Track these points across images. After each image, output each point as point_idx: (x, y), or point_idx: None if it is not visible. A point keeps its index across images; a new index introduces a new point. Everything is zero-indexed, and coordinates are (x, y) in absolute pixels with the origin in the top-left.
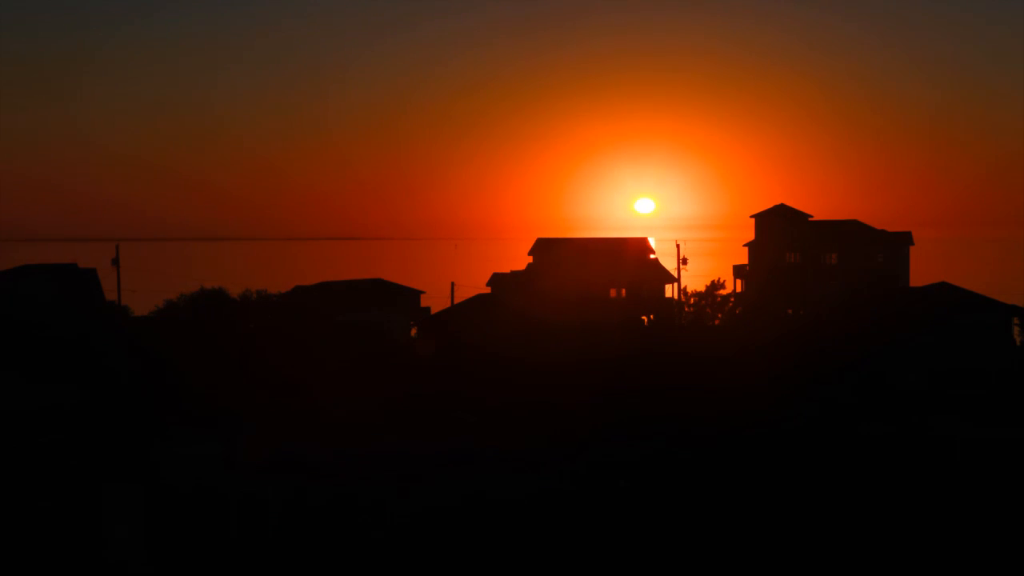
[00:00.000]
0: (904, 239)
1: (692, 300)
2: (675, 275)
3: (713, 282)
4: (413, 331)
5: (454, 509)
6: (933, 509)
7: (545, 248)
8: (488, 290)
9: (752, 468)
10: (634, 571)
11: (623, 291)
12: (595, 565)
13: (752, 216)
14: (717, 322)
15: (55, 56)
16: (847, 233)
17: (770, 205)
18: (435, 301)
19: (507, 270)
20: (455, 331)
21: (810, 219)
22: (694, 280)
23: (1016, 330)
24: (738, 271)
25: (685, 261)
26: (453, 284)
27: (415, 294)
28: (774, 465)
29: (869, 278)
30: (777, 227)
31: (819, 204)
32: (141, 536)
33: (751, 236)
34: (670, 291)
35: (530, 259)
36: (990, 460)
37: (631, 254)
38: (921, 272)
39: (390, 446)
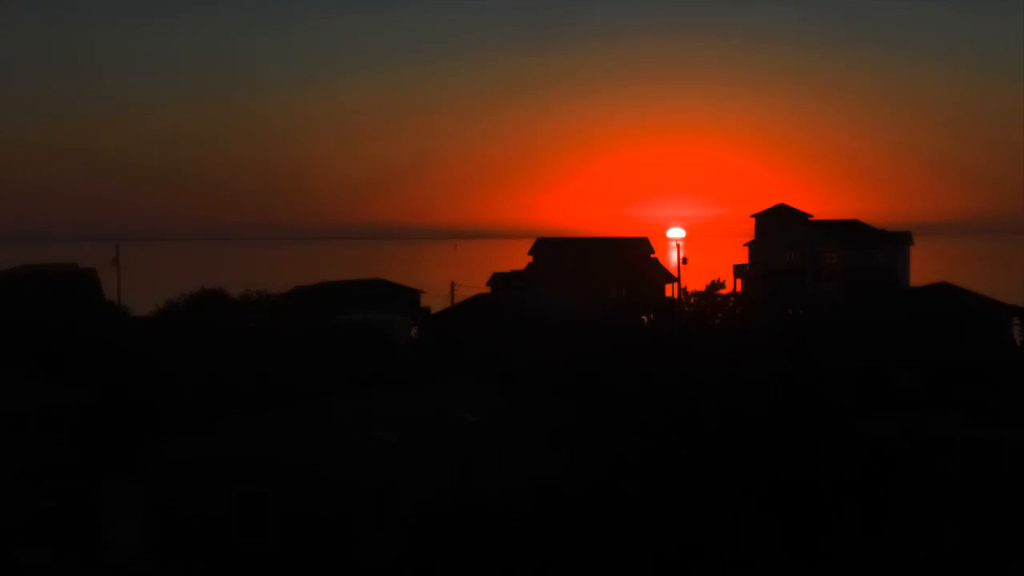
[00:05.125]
0: (904, 239)
1: (692, 300)
2: (675, 274)
3: (713, 282)
4: (413, 331)
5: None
6: (932, 508)
7: (545, 248)
8: (488, 290)
9: (749, 466)
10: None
11: (623, 291)
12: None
13: (752, 216)
14: (717, 322)
15: (55, 56)
16: (847, 233)
17: (770, 205)
18: (435, 301)
19: (507, 270)
20: (455, 331)
21: (810, 219)
22: (693, 280)
23: (1016, 330)
24: (738, 271)
25: (685, 261)
26: (453, 284)
27: (415, 294)
28: (770, 464)
29: (869, 278)
30: (777, 227)
31: (819, 204)
32: (141, 536)
33: (751, 236)
34: (670, 291)
35: (530, 259)
36: (990, 460)
37: (631, 254)
38: (921, 272)
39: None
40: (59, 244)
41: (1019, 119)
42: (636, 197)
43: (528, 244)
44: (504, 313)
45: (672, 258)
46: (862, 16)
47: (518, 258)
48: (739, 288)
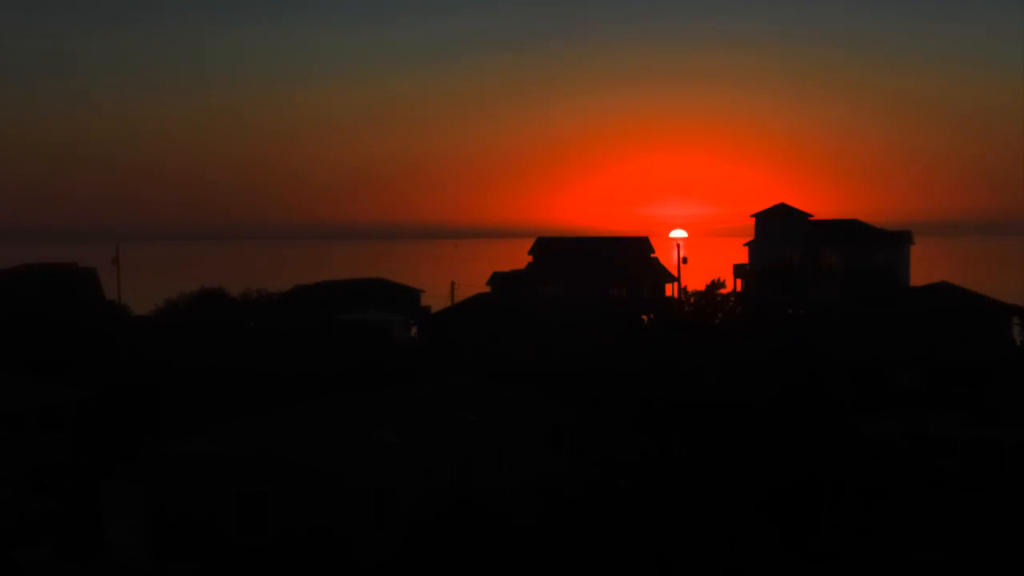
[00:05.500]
0: (904, 239)
1: (692, 300)
2: (675, 274)
3: (713, 281)
4: (413, 331)
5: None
6: (934, 508)
7: (545, 248)
8: (488, 290)
9: (749, 466)
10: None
11: (623, 290)
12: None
13: (752, 216)
14: (717, 322)
15: (56, 56)
16: (847, 233)
17: (770, 205)
18: (435, 301)
19: (507, 270)
20: (455, 331)
21: (810, 219)
22: (693, 280)
23: (1016, 330)
24: (738, 271)
25: (685, 260)
26: (453, 284)
27: (415, 294)
28: (770, 464)
29: (869, 278)
30: (777, 227)
31: (819, 204)
32: (141, 536)
33: (751, 236)
34: (670, 290)
35: (530, 259)
36: (990, 460)
37: (631, 254)
38: (921, 272)
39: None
40: (59, 244)
41: (1019, 119)
42: (637, 197)
43: (528, 244)
44: (504, 313)
45: (672, 258)
46: (862, 17)
47: (518, 258)
48: (739, 288)
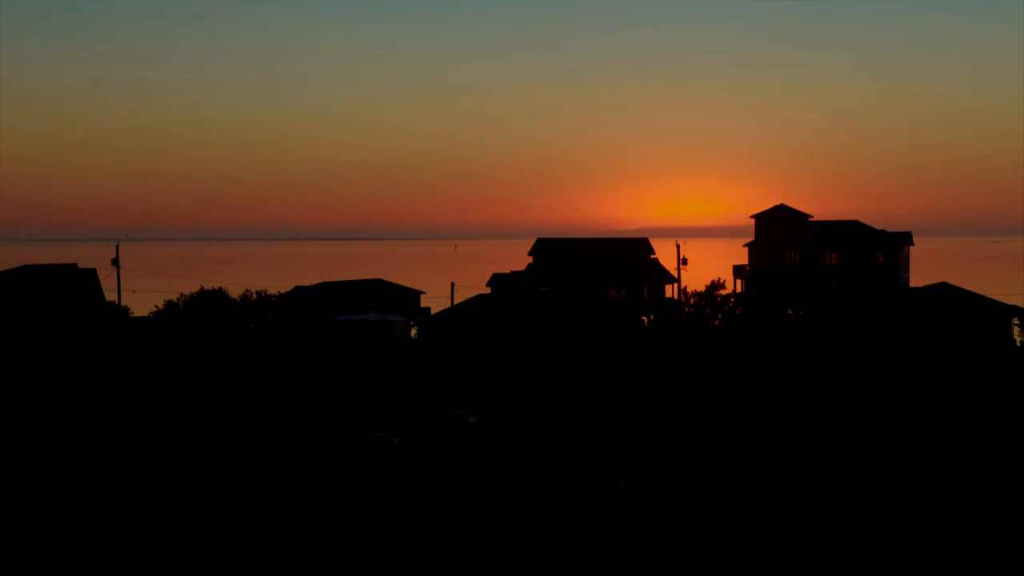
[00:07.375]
0: (904, 239)
1: (692, 300)
2: (675, 275)
3: (713, 282)
4: (413, 331)
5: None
6: (932, 508)
7: (545, 248)
8: (488, 290)
9: (749, 464)
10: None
11: (623, 291)
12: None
13: (752, 216)
14: (717, 322)
15: (56, 56)
16: (847, 233)
17: (770, 205)
18: (435, 301)
19: (507, 270)
20: (455, 331)
21: (810, 219)
22: (694, 280)
23: (1016, 330)
24: (738, 271)
25: (685, 261)
26: (453, 284)
27: (415, 294)
28: (772, 461)
29: (869, 278)
30: (777, 227)
31: (819, 204)
32: (141, 533)
33: (751, 236)
34: (670, 291)
35: (530, 259)
36: (989, 459)
37: (631, 254)
38: (921, 272)
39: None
40: (59, 244)
41: (1019, 119)
42: (637, 197)
43: (528, 244)
44: (504, 314)
45: (672, 259)
46: (863, 17)
47: (518, 258)
48: (739, 288)
